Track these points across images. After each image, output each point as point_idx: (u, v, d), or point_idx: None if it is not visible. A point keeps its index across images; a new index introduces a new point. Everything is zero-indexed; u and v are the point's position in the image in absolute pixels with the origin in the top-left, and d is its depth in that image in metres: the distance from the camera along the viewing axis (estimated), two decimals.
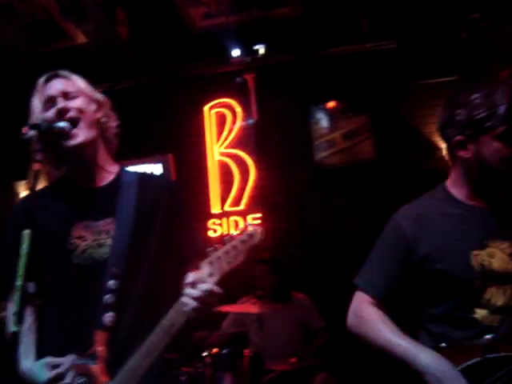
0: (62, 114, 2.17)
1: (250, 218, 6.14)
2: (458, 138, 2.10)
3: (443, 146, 5.99)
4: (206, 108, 6.50)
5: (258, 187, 6.26)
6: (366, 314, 2.11)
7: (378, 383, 4.88)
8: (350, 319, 2.18)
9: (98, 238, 2.16)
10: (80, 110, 2.20)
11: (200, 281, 1.91)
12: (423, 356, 1.92)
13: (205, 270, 1.92)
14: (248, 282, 5.04)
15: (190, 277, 1.95)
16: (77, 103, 2.22)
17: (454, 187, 2.18)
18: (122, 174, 2.34)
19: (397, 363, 1.96)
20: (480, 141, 2.04)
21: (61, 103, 2.19)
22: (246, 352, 4.37)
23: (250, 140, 6.38)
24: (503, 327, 1.95)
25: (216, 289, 1.90)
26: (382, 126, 6.07)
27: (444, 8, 5.67)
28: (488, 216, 2.09)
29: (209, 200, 6.32)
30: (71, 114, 2.18)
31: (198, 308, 1.91)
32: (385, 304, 2.12)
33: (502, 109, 1.99)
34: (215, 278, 1.91)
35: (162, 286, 2.19)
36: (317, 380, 4.61)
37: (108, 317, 2.04)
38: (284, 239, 5.99)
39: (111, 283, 2.07)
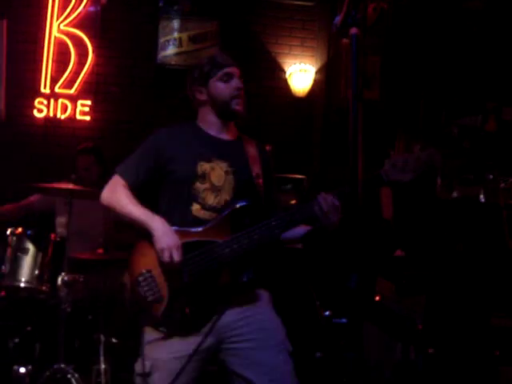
0: None
1: (79, 103, 5.90)
2: (195, 87, 2.82)
3: (287, 68, 6.10)
4: None
5: (93, 74, 5.97)
6: (118, 192, 2.74)
7: None
8: (105, 193, 2.79)
9: None
10: None
11: None
12: (155, 221, 2.62)
13: None
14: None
15: None
16: None
17: (202, 123, 2.84)
18: None
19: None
20: (209, 85, 2.77)
21: None
22: (52, 236, 4.25)
23: (94, 23, 6.01)
24: (211, 222, 2.63)
25: None
26: (231, 36, 6.00)
27: None
28: (221, 144, 2.80)
29: (40, 78, 5.92)
30: None
31: None
32: (135, 190, 2.77)
33: (216, 59, 2.80)
34: None
35: None
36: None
37: None
38: (111, 131, 5.87)
39: None
